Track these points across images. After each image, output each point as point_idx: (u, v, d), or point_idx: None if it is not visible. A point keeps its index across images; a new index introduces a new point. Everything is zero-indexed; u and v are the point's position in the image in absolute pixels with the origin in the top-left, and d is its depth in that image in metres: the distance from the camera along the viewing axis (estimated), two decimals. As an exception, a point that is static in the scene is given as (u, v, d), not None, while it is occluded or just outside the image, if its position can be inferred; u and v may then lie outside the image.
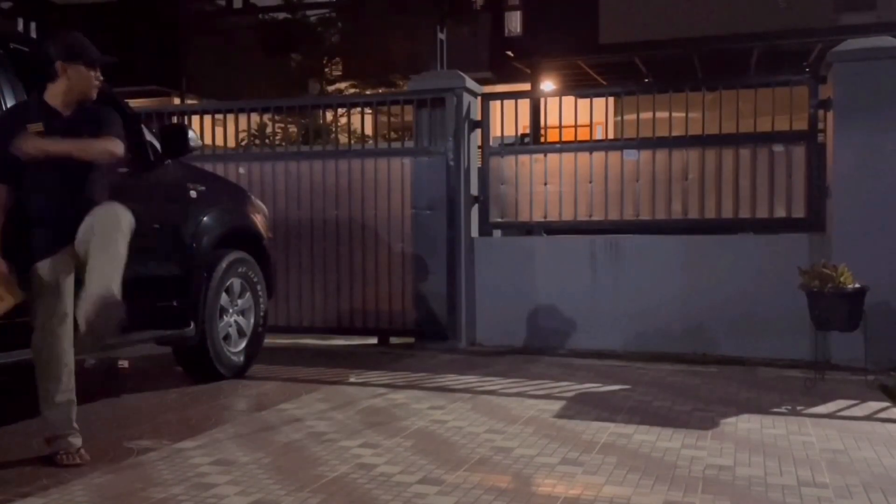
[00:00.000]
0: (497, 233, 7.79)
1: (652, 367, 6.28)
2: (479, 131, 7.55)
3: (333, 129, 9.02)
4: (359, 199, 7.55)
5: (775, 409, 4.77)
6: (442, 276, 7.26)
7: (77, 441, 3.68)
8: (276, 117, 10.28)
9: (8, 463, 3.66)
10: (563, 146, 7.60)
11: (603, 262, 7.03)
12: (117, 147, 3.80)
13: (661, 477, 3.39)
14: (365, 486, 3.26)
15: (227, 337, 5.70)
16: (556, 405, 4.91)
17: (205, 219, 5.51)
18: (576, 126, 7.77)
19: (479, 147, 7.59)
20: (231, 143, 8.47)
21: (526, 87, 16.89)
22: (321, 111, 8.55)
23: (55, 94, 3.79)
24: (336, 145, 8.01)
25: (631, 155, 7.14)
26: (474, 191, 7.46)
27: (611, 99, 8.74)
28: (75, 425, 3.71)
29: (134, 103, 6.73)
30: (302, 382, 5.67)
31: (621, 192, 7.11)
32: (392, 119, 9.49)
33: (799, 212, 6.66)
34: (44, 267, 3.64)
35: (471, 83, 7.50)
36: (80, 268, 3.64)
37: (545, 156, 7.40)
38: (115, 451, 3.86)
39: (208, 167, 7.07)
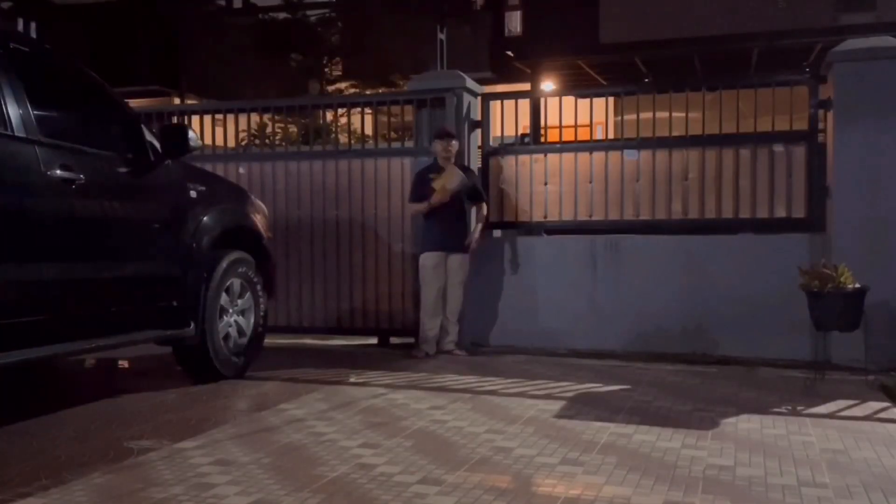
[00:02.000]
0: (497, 233, 7.78)
1: (652, 367, 6.28)
2: (478, 131, 7.55)
3: (333, 130, 9.01)
4: (359, 199, 7.55)
5: (775, 409, 4.77)
6: (442, 276, 7.24)
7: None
8: (276, 117, 10.28)
9: (8, 463, 3.65)
10: (563, 146, 7.60)
11: (603, 262, 7.03)
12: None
13: (661, 477, 3.39)
14: (365, 486, 3.25)
15: (227, 337, 5.70)
16: (557, 405, 4.90)
17: (205, 219, 5.51)
18: (576, 126, 7.77)
19: (478, 147, 7.58)
20: (231, 143, 8.46)
21: (526, 87, 16.87)
22: (321, 111, 8.55)
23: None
24: (336, 145, 8.01)
25: (631, 155, 7.14)
26: (474, 191, 7.44)
27: (611, 99, 8.76)
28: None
29: (134, 103, 6.73)
30: (302, 382, 5.67)
31: (621, 192, 7.11)
32: (392, 119, 9.49)
33: (799, 212, 6.66)
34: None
35: (471, 83, 7.49)
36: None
37: (545, 156, 7.40)
38: (115, 451, 3.85)
39: (208, 167, 7.08)
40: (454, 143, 6.85)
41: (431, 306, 6.83)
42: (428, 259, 6.82)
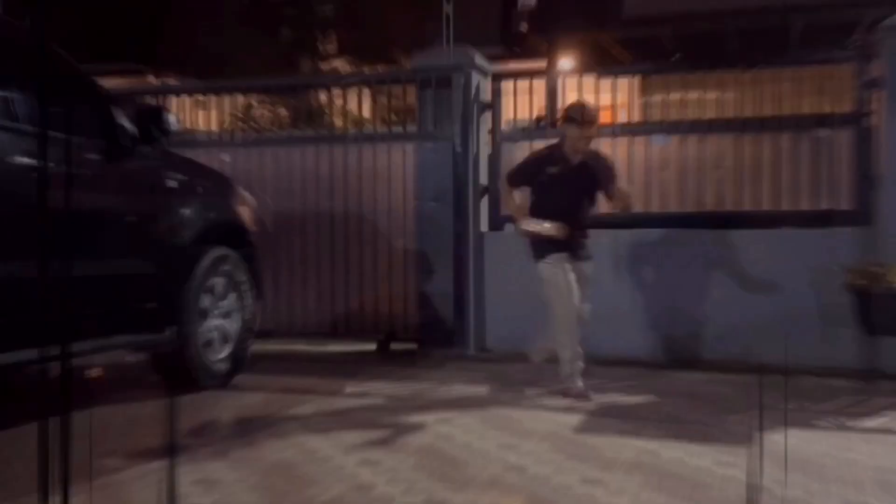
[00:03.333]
0: (509, 227, 7.78)
1: (680, 375, 6.28)
2: (489, 114, 7.54)
3: (328, 112, 9.01)
4: (356, 189, 7.55)
5: (818, 423, 4.77)
6: (448, 275, 7.25)
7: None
8: (265, 98, 10.30)
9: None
10: (582, 130, 7.58)
11: (627, 258, 7.00)
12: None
13: (691, 499, 3.38)
14: (362, 509, 3.26)
15: (209, 342, 5.70)
16: (575, 418, 4.90)
17: (185, 211, 5.52)
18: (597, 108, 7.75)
19: (489, 132, 7.57)
20: (215, 127, 8.46)
21: (542, 64, 16.86)
22: (314, 92, 8.56)
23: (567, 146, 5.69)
24: (331, 130, 8.02)
25: (659, 141, 7.13)
26: (484, 181, 7.44)
27: (636, 78, 8.73)
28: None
29: (106, 83, 6.73)
30: (293, 393, 5.68)
31: (647, 181, 7.09)
32: (393, 101, 9.48)
33: (845, 204, 6.63)
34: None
35: (480, 60, 7.49)
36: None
37: (563, 141, 7.38)
38: (85, 469, 3.85)
39: (189, 154, 7.08)
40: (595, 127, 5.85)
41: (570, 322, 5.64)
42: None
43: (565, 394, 5.48)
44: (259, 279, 6.31)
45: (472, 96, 7.39)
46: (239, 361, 5.98)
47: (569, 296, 5.53)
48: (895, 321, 5.43)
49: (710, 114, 7.01)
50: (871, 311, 5.47)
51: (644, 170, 7.12)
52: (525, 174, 5.87)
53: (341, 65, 19.83)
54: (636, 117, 9.80)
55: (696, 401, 5.39)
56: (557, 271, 5.56)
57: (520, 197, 5.97)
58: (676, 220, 7.08)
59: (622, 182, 6.03)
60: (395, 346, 7.59)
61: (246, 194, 6.41)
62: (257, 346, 6.43)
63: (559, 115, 6.29)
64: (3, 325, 4.29)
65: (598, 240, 7.10)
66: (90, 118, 5.08)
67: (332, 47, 21.12)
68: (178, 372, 5.59)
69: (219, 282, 5.79)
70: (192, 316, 5.49)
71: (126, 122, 5.15)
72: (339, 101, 8.49)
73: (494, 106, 7.53)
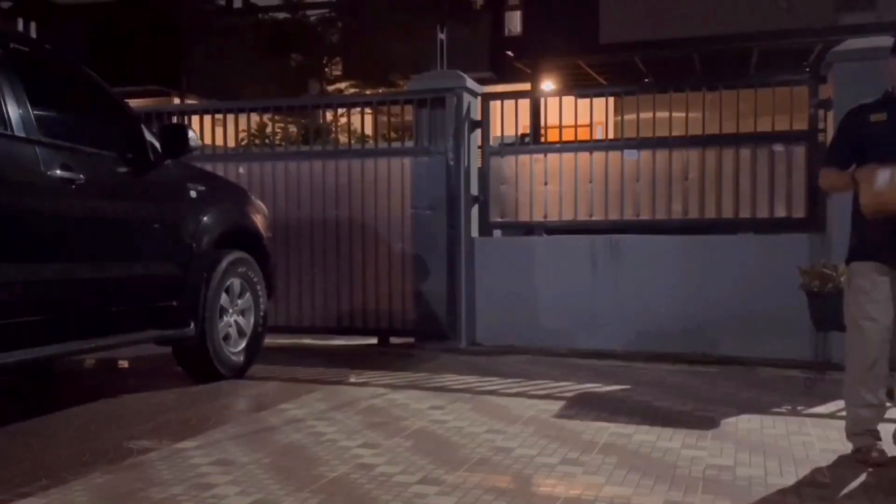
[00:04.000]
0: (497, 233, 7.79)
1: (652, 367, 6.28)
2: (479, 131, 7.53)
3: (333, 129, 9.01)
4: (359, 198, 7.53)
5: (775, 409, 4.77)
6: (442, 276, 7.24)
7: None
8: (276, 117, 10.29)
9: (8, 463, 3.65)
10: (563, 146, 7.59)
11: (603, 262, 7.01)
12: None
13: (661, 477, 3.39)
14: (365, 487, 3.26)
15: (227, 337, 5.70)
16: (557, 405, 4.90)
17: (205, 218, 5.51)
18: (576, 126, 7.76)
19: (479, 147, 7.57)
20: (231, 142, 8.45)
21: (526, 86, 16.89)
22: (321, 111, 8.55)
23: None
24: (336, 145, 8.01)
25: (631, 155, 7.13)
26: (474, 191, 7.44)
27: (611, 99, 8.75)
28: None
29: (133, 103, 6.74)
30: (302, 382, 5.67)
31: (621, 192, 7.09)
32: (392, 119, 9.49)
33: (799, 212, 6.66)
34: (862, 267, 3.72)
35: (471, 83, 7.48)
36: None
37: (545, 156, 7.38)
38: (115, 451, 3.86)
39: (208, 167, 7.08)
40: None
41: (870, 359, 3.70)
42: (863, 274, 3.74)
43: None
44: (271, 279, 6.31)
45: (464, 115, 7.35)
46: (253, 354, 5.97)
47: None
48: (842, 318, 5.43)
49: (678, 131, 7.00)
50: (822, 309, 5.48)
51: (618, 181, 7.11)
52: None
53: (346, 87, 19.84)
54: (611, 134, 9.81)
55: (666, 390, 5.39)
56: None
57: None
58: (647, 227, 7.10)
59: None
60: (393, 340, 7.60)
61: (259, 203, 6.41)
62: (269, 340, 6.43)
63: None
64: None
65: (576, 244, 7.15)
66: (120, 135, 5.09)
67: (337, 71, 21.14)
68: (199, 363, 5.59)
69: (235, 282, 5.78)
70: (211, 313, 5.48)
71: (152, 139, 5.15)
72: (343, 120, 8.48)
73: (483, 124, 7.52)
